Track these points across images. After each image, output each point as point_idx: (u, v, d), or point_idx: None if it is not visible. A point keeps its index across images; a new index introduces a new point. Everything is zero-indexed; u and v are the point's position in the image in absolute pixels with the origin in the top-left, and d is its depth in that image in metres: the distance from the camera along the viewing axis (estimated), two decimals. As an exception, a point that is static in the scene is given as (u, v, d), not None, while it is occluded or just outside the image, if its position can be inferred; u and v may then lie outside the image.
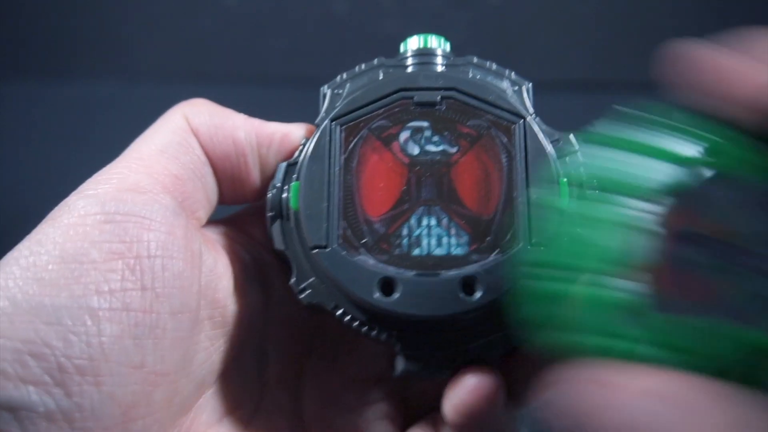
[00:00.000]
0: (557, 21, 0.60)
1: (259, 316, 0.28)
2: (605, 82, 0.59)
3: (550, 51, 0.60)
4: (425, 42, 0.29)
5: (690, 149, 0.21)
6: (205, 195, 0.28)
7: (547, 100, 0.57)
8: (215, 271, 0.27)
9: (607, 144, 0.22)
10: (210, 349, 0.26)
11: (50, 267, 0.22)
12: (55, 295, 0.22)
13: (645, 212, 0.21)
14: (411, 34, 0.29)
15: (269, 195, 0.27)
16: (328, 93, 0.28)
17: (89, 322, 0.22)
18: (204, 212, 0.28)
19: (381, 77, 0.28)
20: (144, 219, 0.24)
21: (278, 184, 0.27)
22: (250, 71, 0.62)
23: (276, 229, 0.27)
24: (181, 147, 0.27)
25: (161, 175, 0.26)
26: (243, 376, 0.28)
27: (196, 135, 0.28)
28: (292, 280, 0.27)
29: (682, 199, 0.21)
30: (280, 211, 0.27)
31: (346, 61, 0.28)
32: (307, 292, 0.26)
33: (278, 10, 0.63)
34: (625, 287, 0.20)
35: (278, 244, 0.27)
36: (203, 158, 0.28)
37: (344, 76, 0.29)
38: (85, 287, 0.23)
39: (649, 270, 0.20)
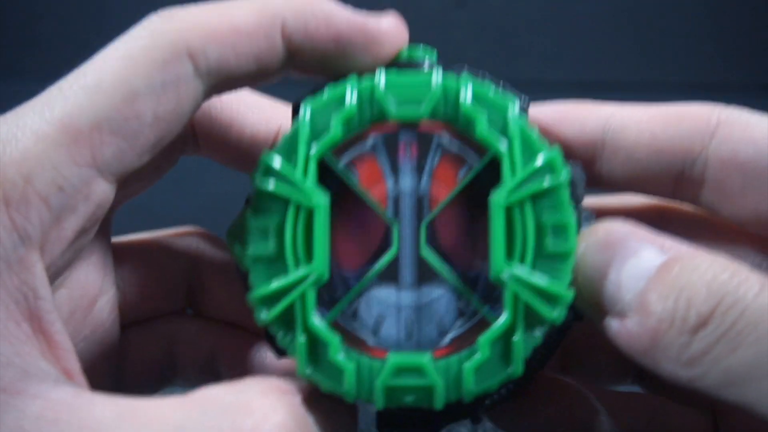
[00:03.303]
0: (557, 21, 0.60)
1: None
2: (605, 82, 0.59)
3: (550, 51, 0.60)
4: (410, 53, 0.25)
5: None
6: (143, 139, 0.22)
7: (547, 100, 0.57)
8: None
9: None
10: None
11: None
12: None
13: None
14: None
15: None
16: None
17: None
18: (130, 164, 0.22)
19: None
20: None
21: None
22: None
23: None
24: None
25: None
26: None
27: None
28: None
29: None
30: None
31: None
32: None
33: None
34: None
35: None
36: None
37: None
38: None
39: None
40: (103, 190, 0.22)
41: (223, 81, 0.23)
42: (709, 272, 0.20)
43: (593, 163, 0.26)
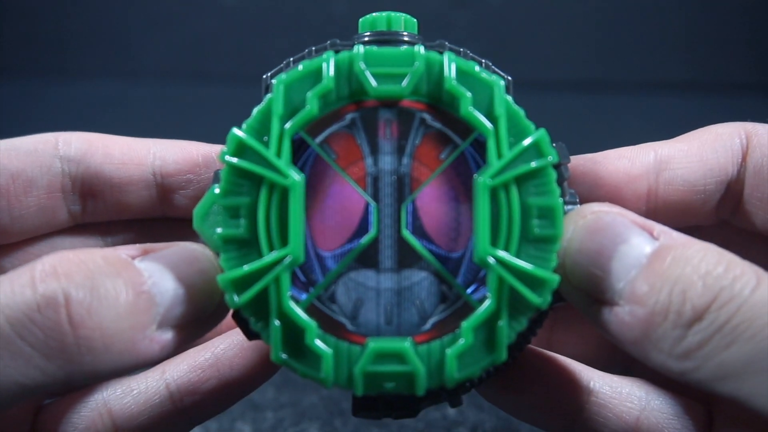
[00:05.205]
0: (557, 21, 0.60)
1: None
2: (605, 82, 0.59)
3: (550, 51, 0.60)
4: (387, 22, 0.23)
5: None
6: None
7: (547, 100, 0.58)
8: None
9: None
10: None
11: None
12: None
13: None
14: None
15: None
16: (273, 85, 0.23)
17: None
18: None
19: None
20: None
21: None
22: (250, 71, 0.62)
23: None
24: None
25: None
26: None
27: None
28: None
29: None
30: None
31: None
32: None
33: (278, 10, 0.63)
34: None
35: None
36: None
37: (291, 61, 0.23)
38: None
39: None
40: None
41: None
42: (703, 264, 0.20)
43: (648, 195, 0.26)
